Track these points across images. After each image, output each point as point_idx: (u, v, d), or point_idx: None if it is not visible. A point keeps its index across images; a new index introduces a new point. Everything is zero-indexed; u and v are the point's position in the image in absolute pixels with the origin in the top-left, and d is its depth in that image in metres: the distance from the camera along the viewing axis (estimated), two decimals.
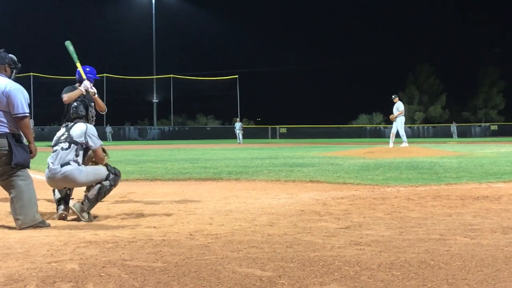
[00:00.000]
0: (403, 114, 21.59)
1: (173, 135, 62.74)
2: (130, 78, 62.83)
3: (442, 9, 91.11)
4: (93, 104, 7.01)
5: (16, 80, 5.95)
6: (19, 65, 6.10)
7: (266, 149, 28.51)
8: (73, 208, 6.11)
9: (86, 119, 6.60)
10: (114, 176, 6.40)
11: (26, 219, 5.48)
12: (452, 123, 63.48)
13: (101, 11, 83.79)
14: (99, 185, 6.25)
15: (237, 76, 66.19)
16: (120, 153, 23.13)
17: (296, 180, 10.10)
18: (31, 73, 54.42)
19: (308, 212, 6.39)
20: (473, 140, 49.35)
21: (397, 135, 21.66)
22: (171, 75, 65.62)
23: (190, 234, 5.08)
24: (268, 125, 70.15)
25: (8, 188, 5.62)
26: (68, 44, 7.57)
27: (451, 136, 60.00)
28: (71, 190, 6.64)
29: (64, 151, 6.17)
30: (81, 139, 6.22)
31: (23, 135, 5.69)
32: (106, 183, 6.30)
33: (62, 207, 6.36)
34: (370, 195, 7.82)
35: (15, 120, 5.57)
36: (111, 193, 7.44)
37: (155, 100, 69.26)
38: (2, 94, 5.55)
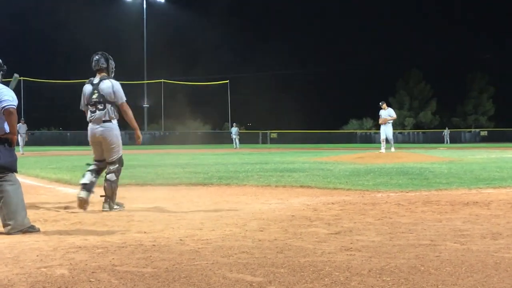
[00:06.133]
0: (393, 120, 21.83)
1: (164, 140, 62.51)
2: (120, 82, 62.60)
3: (432, 14, 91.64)
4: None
5: (5, 83, 5.90)
6: (5, 67, 6.04)
7: (257, 154, 28.52)
8: (105, 210, 7.02)
9: (107, 71, 7.25)
10: (118, 166, 7.24)
11: (16, 224, 5.45)
12: (445, 129, 63.67)
13: (92, 16, 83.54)
14: (109, 185, 7.10)
15: (228, 81, 66.24)
16: None
17: (286, 185, 10.10)
18: (21, 77, 54.17)
19: (299, 217, 6.39)
20: (463, 145, 49.58)
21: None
22: (162, 80, 65.54)
23: (181, 239, 5.07)
24: (259, 130, 70.15)
25: None
26: None
27: (442, 141, 60.22)
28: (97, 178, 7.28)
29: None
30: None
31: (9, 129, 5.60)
32: (112, 177, 7.15)
33: (82, 193, 6.95)
34: (361, 201, 7.83)
35: (4, 113, 5.52)
36: (102, 198, 7.43)
37: (145, 105, 69.12)
38: None
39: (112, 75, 7.31)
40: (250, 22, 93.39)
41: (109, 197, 7.14)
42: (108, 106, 7.04)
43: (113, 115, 7.09)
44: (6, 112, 5.53)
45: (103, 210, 7.05)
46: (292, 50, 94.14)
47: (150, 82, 67.37)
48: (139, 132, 7.42)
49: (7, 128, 5.57)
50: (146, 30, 67.55)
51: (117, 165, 7.23)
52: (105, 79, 7.12)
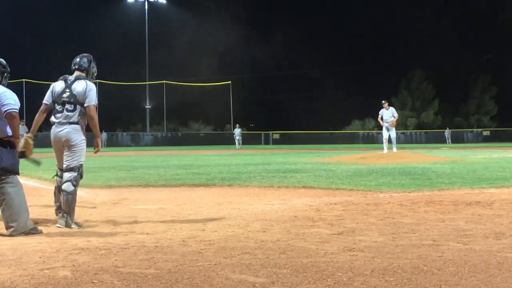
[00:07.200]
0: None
1: (166, 141, 62.58)
2: (123, 84, 62.92)
3: (434, 14, 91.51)
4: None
5: (8, 85, 5.91)
6: (8, 69, 6.00)
7: (259, 155, 28.50)
8: (60, 226, 6.02)
9: (86, 73, 6.50)
10: (77, 175, 6.19)
11: (18, 226, 5.46)
12: (446, 129, 63.73)
13: (93, 17, 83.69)
14: (65, 197, 6.08)
15: (230, 82, 66.25)
16: (113, 159, 23.05)
17: (289, 186, 10.09)
18: (23, 79, 54.23)
19: (301, 218, 6.39)
20: (465, 145, 49.53)
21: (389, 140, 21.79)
22: (164, 81, 65.55)
23: (183, 241, 5.07)
24: (261, 131, 70.10)
25: None
26: None
27: (444, 141, 60.23)
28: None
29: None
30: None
31: (11, 132, 5.63)
32: (69, 187, 6.10)
33: (61, 221, 6.12)
34: (363, 201, 7.83)
35: (6, 117, 5.54)
36: (105, 198, 7.42)
37: (148, 106, 69.18)
38: None
39: (92, 80, 6.62)
40: (252, 23, 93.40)
41: (66, 213, 6.08)
42: (79, 108, 6.27)
43: (82, 119, 6.30)
44: (8, 115, 5.55)
45: (58, 227, 6.05)
46: (294, 50, 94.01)
47: (152, 83, 67.38)
48: (99, 141, 6.55)
49: (9, 131, 5.60)
50: (147, 31, 67.61)
51: (75, 174, 6.18)
52: (81, 79, 6.39)
